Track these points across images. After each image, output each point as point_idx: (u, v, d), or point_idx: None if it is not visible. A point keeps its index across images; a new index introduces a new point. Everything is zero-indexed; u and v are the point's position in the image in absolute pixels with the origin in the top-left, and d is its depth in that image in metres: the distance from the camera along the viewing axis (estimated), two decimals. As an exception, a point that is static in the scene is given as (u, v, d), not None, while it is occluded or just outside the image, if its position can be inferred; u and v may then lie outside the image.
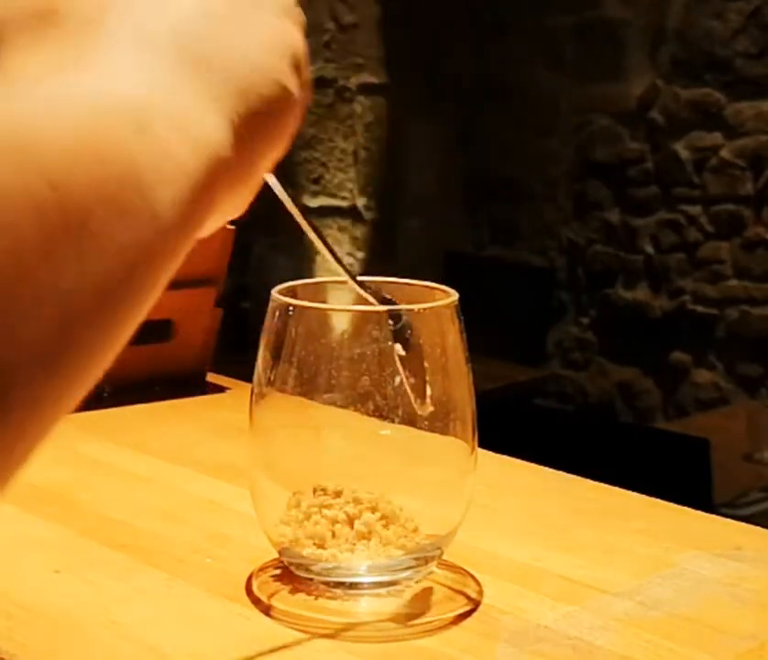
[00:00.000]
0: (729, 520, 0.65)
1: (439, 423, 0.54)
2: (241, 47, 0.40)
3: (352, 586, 0.54)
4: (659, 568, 0.57)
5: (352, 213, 3.62)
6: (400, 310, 0.54)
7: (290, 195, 0.48)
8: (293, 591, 0.55)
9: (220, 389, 0.92)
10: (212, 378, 0.94)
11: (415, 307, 0.55)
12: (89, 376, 0.32)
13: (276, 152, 0.42)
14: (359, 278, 0.54)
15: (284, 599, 0.55)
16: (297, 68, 0.42)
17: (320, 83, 3.44)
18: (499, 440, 0.77)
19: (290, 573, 0.55)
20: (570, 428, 2.77)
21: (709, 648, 0.50)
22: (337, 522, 0.54)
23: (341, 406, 0.54)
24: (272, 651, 0.52)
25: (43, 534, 0.61)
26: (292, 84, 0.41)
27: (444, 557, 0.56)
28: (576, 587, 0.56)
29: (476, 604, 0.54)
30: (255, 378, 0.55)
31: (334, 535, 0.54)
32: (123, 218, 0.31)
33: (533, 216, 4.01)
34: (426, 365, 0.54)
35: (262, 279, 3.37)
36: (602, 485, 0.69)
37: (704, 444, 2.32)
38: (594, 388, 3.96)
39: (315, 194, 3.54)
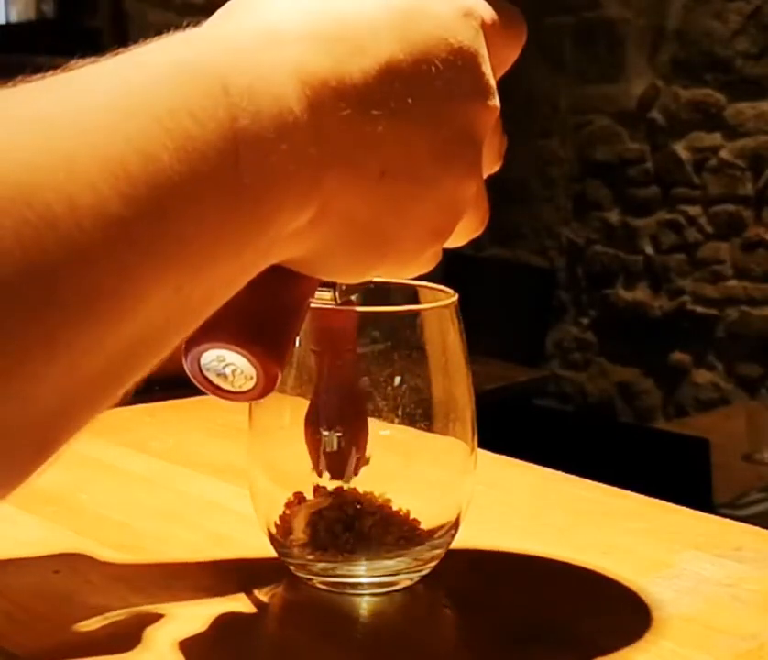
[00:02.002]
0: (728, 520, 0.65)
1: (439, 423, 0.54)
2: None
3: (352, 586, 0.54)
4: (659, 568, 0.57)
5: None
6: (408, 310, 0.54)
7: None
8: (293, 591, 0.55)
9: (220, 389, 0.92)
10: (212, 378, 0.94)
11: (415, 307, 0.55)
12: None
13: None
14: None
15: (284, 600, 0.55)
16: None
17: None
18: (499, 440, 0.77)
19: (290, 573, 0.55)
20: (570, 428, 2.77)
21: (709, 648, 0.50)
22: (337, 522, 0.54)
23: (341, 406, 0.54)
24: (272, 651, 0.52)
25: (43, 534, 0.61)
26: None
27: (445, 557, 0.56)
28: (575, 587, 0.56)
29: (475, 604, 0.54)
30: (255, 378, 0.55)
31: (334, 535, 0.54)
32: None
33: (533, 216, 4.02)
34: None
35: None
36: (602, 485, 0.69)
37: (704, 444, 2.32)
38: (594, 388, 3.97)
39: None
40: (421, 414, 0.54)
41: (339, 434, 0.52)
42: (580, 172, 3.92)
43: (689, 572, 0.57)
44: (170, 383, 0.91)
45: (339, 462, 0.52)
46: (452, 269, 4.00)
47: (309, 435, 0.53)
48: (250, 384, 0.43)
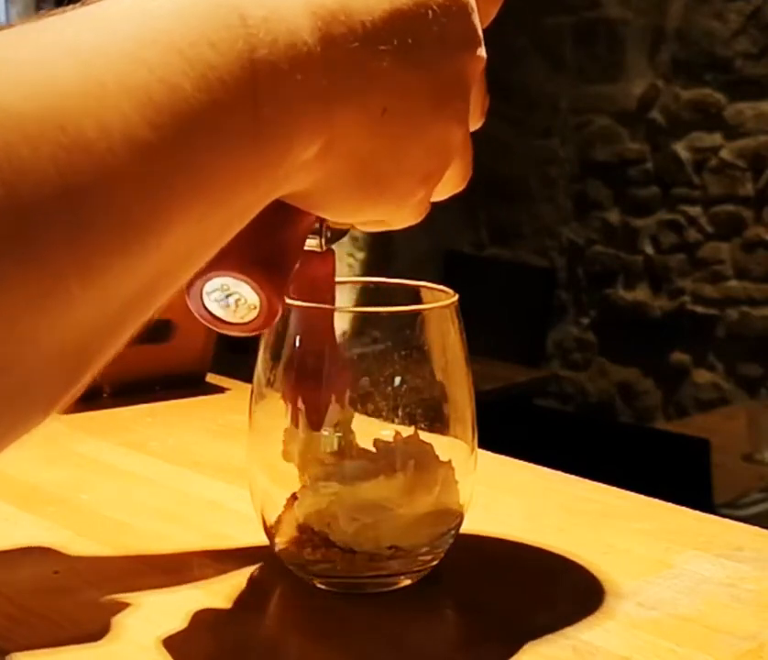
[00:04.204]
0: (729, 520, 0.65)
1: (439, 423, 0.54)
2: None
3: (352, 586, 0.54)
4: (659, 569, 0.57)
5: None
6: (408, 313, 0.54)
7: None
8: (293, 592, 0.55)
9: (220, 389, 0.92)
10: (212, 378, 0.94)
11: (416, 307, 0.55)
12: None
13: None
14: (356, 278, 0.54)
15: (284, 600, 0.55)
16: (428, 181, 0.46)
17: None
18: (499, 440, 0.77)
19: (291, 573, 0.55)
20: (570, 428, 2.77)
21: (709, 648, 0.50)
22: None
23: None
24: (272, 651, 0.52)
25: (43, 534, 0.61)
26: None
27: (444, 557, 0.56)
28: (575, 587, 0.56)
29: (475, 604, 0.54)
30: (255, 378, 0.55)
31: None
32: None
33: (533, 216, 4.02)
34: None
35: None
36: (602, 485, 0.69)
37: (704, 444, 2.32)
38: (594, 388, 3.96)
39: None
40: (421, 414, 0.54)
41: (317, 385, 0.53)
42: (580, 172, 3.92)
43: (689, 572, 0.57)
44: (170, 383, 0.91)
45: (316, 413, 0.52)
46: (452, 269, 3.98)
47: (287, 387, 0.53)
48: (253, 314, 0.45)
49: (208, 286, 0.44)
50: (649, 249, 3.78)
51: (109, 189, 0.32)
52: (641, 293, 3.81)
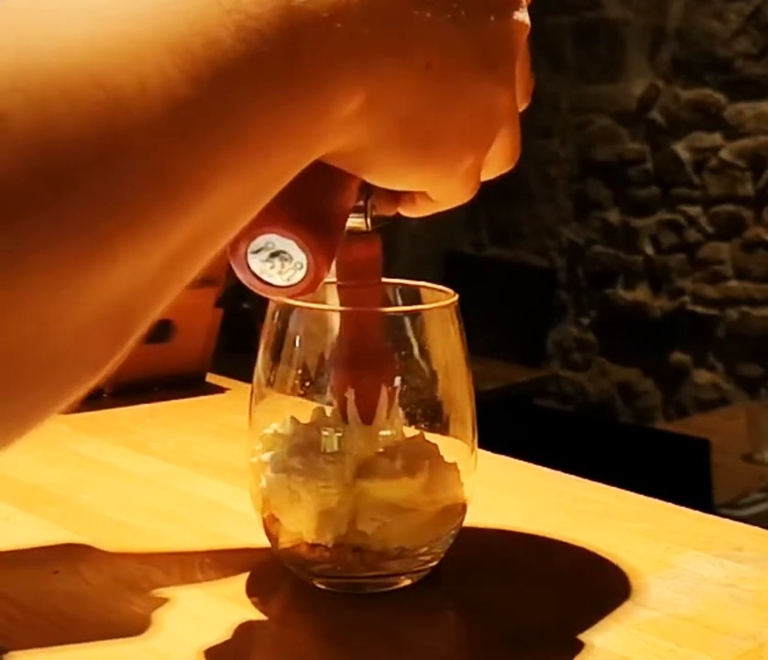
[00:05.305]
0: (729, 520, 0.65)
1: (439, 423, 0.54)
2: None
3: (352, 586, 0.54)
4: (659, 569, 0.57)
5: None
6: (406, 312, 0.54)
7: None
8: (293, 592, 0.55)
9: (220, 389, 0.92)
10: (212, 378, 0.94)
11: (416, 307, 0.55)
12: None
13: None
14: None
15: (284, 600, 0.55)
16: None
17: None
18: (499, 440, 0.77)
19: (291, 573, 0.55)
20: (570, 428, 2.77)
21: (709, 649, 0.50)
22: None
23: (341, 406, 0.54)
24: (272, 652, 0.52)
25: (43, 534, 0.61)
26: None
27: (444, 557, 0.56)
28: (575, 587, 0.56)
29: (475, 604, 0.54)
30: (254, 378, 0.55)
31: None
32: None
33: (533, 216, 4.02)
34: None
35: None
36: (602, 485, 0.69)
37: (704, 444, 2.32)
38: (594, 388, 3.96)
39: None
40: (421, 414, 0.54)
41: (368, 375, 0.52)
42: (580, 172, 3.92)
43: (689, 572, 0.57)
44: (170, 383, 0.91)
45: (369, 404, 0.52)
46: (452, 269, 3.98)
47: (335, 378, 0.53)
48: (299, 275, 0.44)
49: (253, 245, 0.43)
50: (649, 249, 3.78)
51: (151, 146, 0.32)
52: (641, 293, 3.81)
